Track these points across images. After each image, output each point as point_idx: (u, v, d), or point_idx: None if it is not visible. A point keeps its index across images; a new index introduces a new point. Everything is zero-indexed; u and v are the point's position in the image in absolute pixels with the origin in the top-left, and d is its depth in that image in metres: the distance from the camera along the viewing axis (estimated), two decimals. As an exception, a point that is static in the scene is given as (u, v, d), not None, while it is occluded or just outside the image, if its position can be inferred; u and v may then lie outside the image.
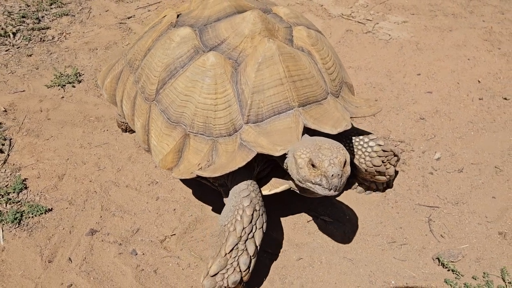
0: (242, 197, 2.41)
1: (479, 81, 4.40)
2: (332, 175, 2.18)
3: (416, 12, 5.65)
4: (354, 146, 2.86)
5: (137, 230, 2.91)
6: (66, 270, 2.64)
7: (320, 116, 2.54)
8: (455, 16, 5.56)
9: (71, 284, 2.56)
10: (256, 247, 2.38)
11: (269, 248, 2.81)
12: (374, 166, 2.84)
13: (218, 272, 2.30)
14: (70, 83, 4.20)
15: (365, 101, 2.99)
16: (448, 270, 2.70)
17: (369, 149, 2.83)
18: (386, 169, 2.88)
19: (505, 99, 4.16)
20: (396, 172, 3.33)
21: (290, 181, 2.64)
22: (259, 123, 2.50)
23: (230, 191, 2.57)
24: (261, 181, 2.76)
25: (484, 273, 2.68)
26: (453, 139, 3.71)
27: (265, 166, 2.78)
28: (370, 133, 2.87)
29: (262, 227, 2.42)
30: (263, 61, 2.48)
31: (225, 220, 2.39)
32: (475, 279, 2.65)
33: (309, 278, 2.66)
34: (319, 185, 2.25)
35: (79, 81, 4.25)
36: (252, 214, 2.36)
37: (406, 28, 5.32)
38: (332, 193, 2.24)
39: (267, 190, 2.69)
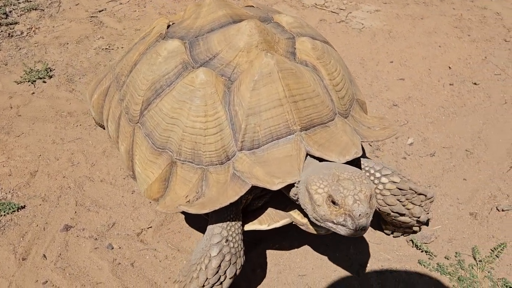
0: (211, 244, 2.15)
1: (449, 67, 4.49)
2: (360, 214, 1.83)
3: (388, 1, 5.71)
4: None
5: (113, 224, 2.89)
6: (41, 267, 2.60)
7: (325, 141, 2.23)
8: (426, 4, 5.65)
9: (46, 281, 2.53)
10: None
11: (247, 237, 2.82)
12: (389, 205, 2.47)
13: None
14: (40, 78, 4.11)
15: (378, 120, 2.65)
16: (422, 252, 2.76)
17: (380, 186, 2.43)
18: (407, 209, 2.49)
19: (475, 84, 4.25)
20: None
21: (293, 212, 2.38)
22: (255, 150, 2.18)
23: (208, 224, 2.33)
24: (256, 212, 2.46)
25: (456, 252, 2.75)
26: (425, 124, 3.78)
27: (263, 193, 2.43)
28: (383, 165, 2.47)
29: (233, 275, 2.17)
30: (260, 78, 2.16)
31: (194, 260, 2.19)
32: (447, 259, 2.72)
33: (286, 264, 2.69)
34: (343, 225, 1.90)
35: (50, 76, 4.17)
36: (219, 266, 2.11)
37: (378, 16, 5.38)
38: (358, 234, 1.90)
39: (265, 225, 2.38)
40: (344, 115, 2.42)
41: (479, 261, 2.69)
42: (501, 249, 2.74)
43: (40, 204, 2.98)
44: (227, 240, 2.17)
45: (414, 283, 2.60)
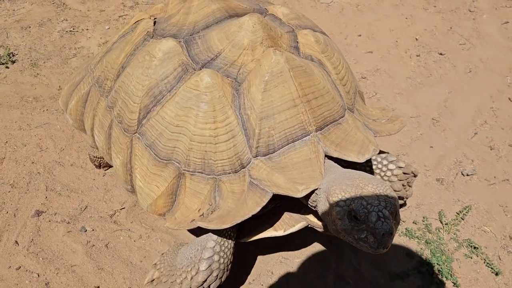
0: (202, 258, 2.06)
1: (416, 39, 4.55)
2: (383, 234, 1.68)
3: (355, -26, 5.72)
4: (372, 170, 2.48)
5: (85, 207, 2.87)
6: (13, 253, 2.58)
7: (341, 140, 2.10)
8: (393, -23, 5.68)
9: (20, 267, 2.51)
10: None
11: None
12: (395, 191, 2.49)
13: None
14: (3, 64, 3.99)
15: (381, 112, 2.56)
16: (391, 218, 2.84)
17: (388, 173, 2.45)
18: (406, 191, 2.55)
19: (441, 54, 4.33)
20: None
21: (309, 215, 2.25)
22: (270, 155, 2.02)
23: (202, 235, 2.19)
24: (271, 217, 2.32)
25: (423, 217, 2.84)
26: (393, 95, 3.85)
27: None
28: (388, 153, 2.50)
29: None
30: (271, 78, 2.00)
31: (180, 264, 2.10)
32: (415, 223, 2.81)
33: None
34: (364, 242, 1.76)
35: (13, 62, 4.05)
36: (205, 280, 2.03)
37: (346, -10, 5.39)
38: (380, 251, 1.74)
39: (281, 230, 2.24)
40: (351, 110, 2.30)
41: (445, 224, 2.79)
42: (466, 212, 2.85)
43: (9, 191, 2.93)
44: (218, 256, 2.08)
45: (384, 249, 2.68)
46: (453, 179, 3.11)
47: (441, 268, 2.55)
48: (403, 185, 2.49)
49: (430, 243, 2.68)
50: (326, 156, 2.05)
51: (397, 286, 2.51)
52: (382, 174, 2.49)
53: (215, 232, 2.11)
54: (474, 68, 4.16)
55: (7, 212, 2.79)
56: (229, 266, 2.14)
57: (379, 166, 2.47)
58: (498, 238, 2.74)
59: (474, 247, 2.66)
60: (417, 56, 4.31)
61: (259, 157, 2.02)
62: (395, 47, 4.44)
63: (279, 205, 2.28)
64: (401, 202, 2.62)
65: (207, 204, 2.09)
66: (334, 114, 2.15)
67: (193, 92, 2.05)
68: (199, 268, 2.03)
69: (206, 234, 2.13)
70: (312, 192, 1.97)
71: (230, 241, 2.15)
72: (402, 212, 2.88)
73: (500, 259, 2.63)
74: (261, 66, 2.03)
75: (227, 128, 2.02)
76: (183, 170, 2.13)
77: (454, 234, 2.74)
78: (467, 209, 2.86)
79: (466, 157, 3.26)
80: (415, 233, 2.73)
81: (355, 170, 1.99)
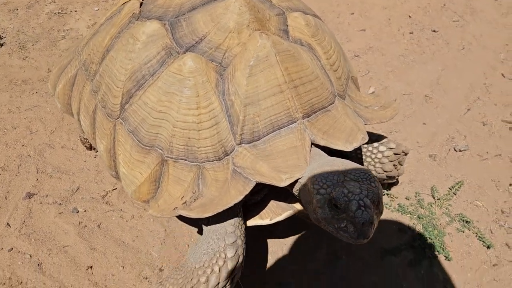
0: (227, 245, 1.92)
1: (409, 16, 4.51)
2: (363, 223, 1.62)
3: (348, -48, 5.63)
4: (362, 153, 2.46)
5: (77, 189, 2.85)
6: (5, 235, 2.57)
7: (329, 127, 2.05)
8: (386, -46, 5.60)
9: (12, 248, 2.50)
10: None
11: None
12: (386, 172, 2.50)
13: None
14: (-10, 47, 3.94)
15: (374, 98, 2.48)
16: (384, 195, 2.85)
17: (379, 155, 2.45)
18: (397, 170, 2.54)
19: (434, 31, 4.29)
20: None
21: (296, 204, 2.19)
22: (255, 142, 1.96)
23: (215, 224, 2.08)
24: (255, 205, 2.26)
25: (416, 193, 2.85)
26: (385, 73, 3.82)
27: (261, 186, 2.19)
28: (378, 134, 2.49)
29: (237, 279, 1.97)
30: (256, 63, 1.93)
31: (197, 262, 1.94)
32: (408, 199, 2.82)
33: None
34: (344, 232, 1.70)
35: (1, 45, 3.99)
36: (234, 269, 1.89)
37: (338, -32, 5.31)
38: (360, 241, 1.68)
39: (267, 219, 2.18)
40: (342, 96, 2.23)
41: (437, 199, 2.80)
42: (458, 187, 2.85)
43: (0, 174, 2.91)
44: (241, 240, 1.96)
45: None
46: (445, 155, 3.10)
47: (433, 242, 2.56)
48: (394, 165, 2.48)
49: (422, 218, 2.68)
50: (313, 144, 1.99)
51: (389, 261, 2.52)
52: (373, 156, 2.48)
53: (231, 216, 2.04)
54: (467, 45, 4.13)
55: (-2, 195, 2.78)
56: (244, 254, 2.02)
57: (370, 148, 2.46)
58: (490, 212, 2.75)
59: (466, 221, 2.67)
60: (410, 33, 4.28)
61: (243, 144, 1.97)
62: (387, 25, 4.40)
63: (267, 193, 2.23)
64: (393, 180, 2.62)
65: (190, 191, 2.05)
66: (323, 100, 2.09)
67: (176, 77, 1.99)
68: (226, 255, 1.89)
69: (222, 223, 2.03)
70: (297, 180, 1.92)
71: (242, 222, 2.07)
72: (395, 188, 2.89)
73: (491, 233, 2.65)
74: (247, 50, 1.96)
75: (210, 114, 1.97)
76: (166, 157, 2.08)
77: (446, 209, 2.75)
78: (459, 184, 2.87)
79: (459, 133, 3.26)
80: (407, 209, 2.74)
81: (339, 158, 1.94)
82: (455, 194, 2.84)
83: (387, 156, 2.44)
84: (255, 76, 1.93)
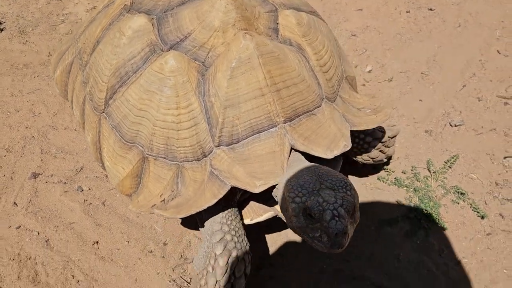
0: (214, 243, 1.94)
1: (406, -5, 4.53)
2: (336, 233, 1.59)
3: None
4: None
5: (81, 168, 2.92)
6: (13, 214, 2.64)
7: (311, 133, 2.01)
8: None
9: (19, 226, 2.57)
10: None
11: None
12: (372, 159, 2.58)
13: None
14: (-10, 32, 3.97)
15: (369, 99, 2.41)
16: (382, 170, 2.92)
17: (365, 146, 2.48)
18: (385, 153, 2.60)
19: (430, 9, 4.32)
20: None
21: (277, 206, 2.12)
22: (234, 145, 1.95)
23: (205, 223, 2.13)
24: (241, 205, 2.26)
25: (412, 167, 2.91)
26: (382, 52, 3.86)
27: None
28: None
29: (242, 273, 1.96)
30: (238, 65, 1.89)
31: (198, 267, 2.00)
32: (404, 173, 2.89)
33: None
34: (318, 241, 1.68)
35: (1, 30, 4.02)
36: (227, 263, 1.91)
37: (335, -52, 5.31)
38: (335, 251, 1.66)
39: (248, 219, 2.18)
40: (331, 99, 2.18)
41: (433, 172, 2.86)
42: (453, 161, 2.92)
43: (5, 155, 2.97)
44: (230, 235, 1.97)
45: (373, 197, 2.76)
46: (441, 130, 3.16)
47: (429, 213, 2.64)
48: (380, 151, 2.52)
49: (418, 191, 2.75)
50: (293, 149, 1.98)
51: (386, 232, 2.60)
52: (360, 147, 2.51)
53: (217, 214, 2.06)
54: (464, 22, 4.16)
55: (4, 175, 2.84)
56: (248, 248, 2.03)
57: (356, 140, 2.47)
58: (485, 184, 2.82)
59: (461, 193, 2.74)
60: (406, 12, 4.30)
61: (221, 146, 1.96)
62: (384, 4, 4.42)
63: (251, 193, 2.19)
64: (381, 162, 2.71)
65: (169, 190, 2.06)
66: (308, 104, 2.05)
67: (157, 76, 1.99)
68: (215, 253, 1.92)
69: (209, 222, 2.08)
70: (275, 185, 1.92)
71: (237, 219, 2.07)
72: (392, 163, 2.95)
73: (486, 204, 2.72)
74: (229, 51, 1.93)
75: (190, 115, 1.96)
76: (147, 154, 2.11)
77: (441, 181, 2.82)
78: (454, 158, 2.93)
79: (454, 108, 3.31)
80: (403, 182, 2.81)
81: (318, 165, 1.90)
82: (450, 167, 2.90)
83: (373, 146, 2.47)
84: (236, 79, 1.90)
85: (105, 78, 2.19)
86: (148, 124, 2.04)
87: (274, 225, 2.56)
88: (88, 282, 2.35)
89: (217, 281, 1.88)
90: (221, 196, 1.88)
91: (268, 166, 1.91)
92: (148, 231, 2.59)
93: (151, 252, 2.50)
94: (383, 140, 2.50)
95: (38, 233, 2.54)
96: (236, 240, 1.98)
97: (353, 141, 2.45)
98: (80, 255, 2.46)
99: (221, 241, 1.94)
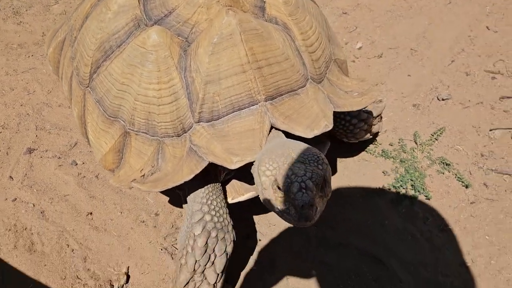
0: (193, 223, 1.96)
1: (398, -27, 4.54)
2: (303, 205, 1.59)
3: None
4: (334, 125, 2.33)
5: (75, 144, 2.98)
6: (8, 187, 2.71)
7: (293, 112, 2.00)
8: None
9: (15, 198, 2.65)
10: (218, 274, 1.97)
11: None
12: (358, 139, 2.65)
13: None
14: (-16, 13, 4.01)
15: (358, 83, 2.41)
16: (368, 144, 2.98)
17: (351, 127, 2.51)
18: (371, 131, 2.65)
19: (422, -13, 4.34)
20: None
21: None
22: (214, 122, 1.95)
23: (187, 199, 2.15)
24: (225, 184, 2.28)
25: (399, 139, 2.97)
26: (373, 28, 3.90)
27: None
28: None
29: (224, 252, 1.97)
30: (220, 41, 1.88)
31: (180, 245, 2.01)
32: (391, 145, 2.95)
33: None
34: (288, 214, 1.68)
35: (-5, 11, 4.06)
36: (206, 244, 1.92)
37: None
38: (303, 224, 1.65)
39: (230, 198, 2.20)
40: (317, 80, 2.16)
41: (419, 144, 2.92)
42: (440, 133, 2.98)
43: (0, 132, 3.03)
44: (210, 216, 1.99)
45: (360, 169, 2.83)
46: (428, 104, 3.22)
47: (414, 183, 2.70)
48: (365, 130, 2.56)
49: (404, 162, 2.82)
50: (274, 127, 1.97)
51: (373, 201, 2.67)
52: (345, 128, 2.54)
53: (197, 195, 2.08)
54: (455, -1, 4.19)
55: (0, 151, 2.91)
56: (230, 227, 2.05)
57: (342, 122, 2.51)
58: (470, 156, 2.88)
59: (446, 164, 2.80)
60: (398, -11, 4.33)
61: (201, 123, 1.96)
62: (376, -18, 4.45)
63: (235, 172, 2.20)
64: (367, 138, 2.75)
65: (149, 165, 2.08)
66: (292, 83, 2.04)
67: (139, 50, 1.98)
68: (194, 234, 1.94)
69: (190, 202, 2.10)
70: (253, 163, 1.93)
71: (218, 199, 2.09)
72: (380, 136, 3.01)
73: (470, 174, 2.78)
74: (212, 27, 1.92)
75: (170, 90, 1.96)
76: (129, 129, 2.12)
77: (427, 153, 2.88)
78: (441, 130, 2.99)
79: (442, 83, 3.36)
80: (390, 154, 2.87)
81: (293, 140, 1.92)
82: (436, 139, 2.96)
83: (359, 127, 2.51)
84: (218, 54, 1.90)
85: (90, 52, 2.21)
86: (130, 98, 2.05)
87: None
88: (82, 251, 2.43)
89: (196, 260, 1.92)
90: (198, 171, 1.89)
91: (247, 143, 1.92)
92: (141, 202, 2.66)
93: (143, 222, 2.57)
94: (368, 122, 2.55)
95: (34, 205, 2.61)
96: (216, 220, 1.99)
97: (338, 123, 2.50)
98: (74, 225, 2.54)
99: (199, 221, 1.96)
